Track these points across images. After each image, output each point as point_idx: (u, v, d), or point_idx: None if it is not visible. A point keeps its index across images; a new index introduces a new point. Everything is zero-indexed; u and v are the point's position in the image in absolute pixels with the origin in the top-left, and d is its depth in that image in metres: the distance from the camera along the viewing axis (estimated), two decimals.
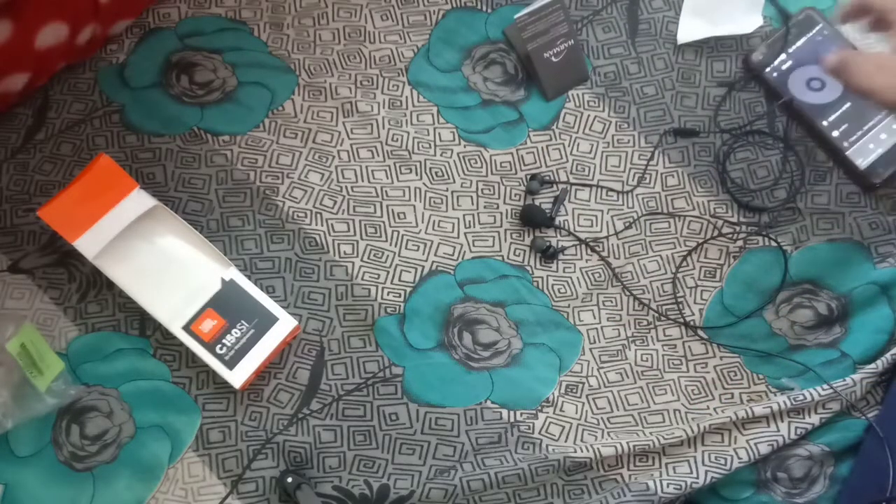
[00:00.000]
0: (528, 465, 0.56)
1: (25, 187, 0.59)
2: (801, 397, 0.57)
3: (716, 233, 0.62)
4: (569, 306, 0.60)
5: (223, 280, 0.54)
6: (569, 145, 0.63)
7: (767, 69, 0.65)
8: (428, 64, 0.64)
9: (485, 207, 0.62)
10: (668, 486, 0.54)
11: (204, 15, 0.63)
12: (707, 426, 0.56)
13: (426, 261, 0.60)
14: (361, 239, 0.60)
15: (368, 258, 0.60)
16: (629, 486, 0.55)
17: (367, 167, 0.62)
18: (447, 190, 0.62)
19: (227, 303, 0.54)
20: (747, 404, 0.58)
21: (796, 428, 0.56)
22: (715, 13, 0.65)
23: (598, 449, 0.56)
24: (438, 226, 0.61)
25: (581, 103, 0.64)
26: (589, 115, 0.64)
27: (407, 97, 0.63)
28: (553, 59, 0.63)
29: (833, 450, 0.58)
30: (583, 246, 0.62)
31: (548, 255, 0.61)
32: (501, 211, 0.62)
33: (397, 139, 0.62)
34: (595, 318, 0.60)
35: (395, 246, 0.60)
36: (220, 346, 0.53)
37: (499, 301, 0.60)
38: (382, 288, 0.59)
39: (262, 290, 0.55)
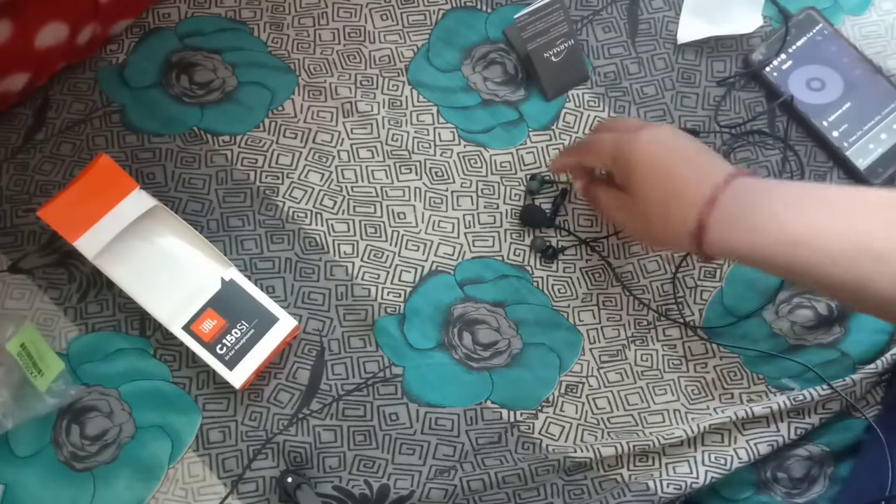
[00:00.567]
0: (528, 465, 0.56)
1: (25, 187, 0.59)
2: (801, 397, 0.57)
3: None
4: (569, 306, 0.60)
5: (223, 280, 0.54)
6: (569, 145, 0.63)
7: (767, 69, 0.65)
8: (428, 64, 0.64)
9: (485, 207, 0.62)
10: (668, 486, 0.54)
11: (204, 15, 0.63)
12: (707, 426, 0.56)
13: (426, 261, 0.60)
14: (361, 239, 0.60)
15: (368, 258, 0.60)
16: (629, 486, 0.55)
17: (367, 167, 0.62)
18: (447, 190, 0.62)
19: (227, 303, 0.54)
20: (747, 404, 0.58)
21: (796, 428, 0.56)
22: (715, 13, 0.65)
23: (598, 449, 0.56)
24: (438, 226, 0.61)
25: (581, 103, 0.64)
26: (589, 115, 0.64)
27: (407, 97, 0.63)
28: (553, 59, 0.63)
29: (833, 450, 0.58)
30: (583, 246, 0.62)
31: (548, 255, 0.61)
32: (501, 211, 0.62)
33: (397, 139, 0.62)
34: (595, 318, 0.60)
35: (395, 246, 0.60)
36: (220, 346, 0.53)
37: (499, 301, 0.60)
38: (382, 288, 0.59)
39: (262, 290, 0.55)
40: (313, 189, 0.61)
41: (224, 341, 0.53)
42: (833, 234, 0.43)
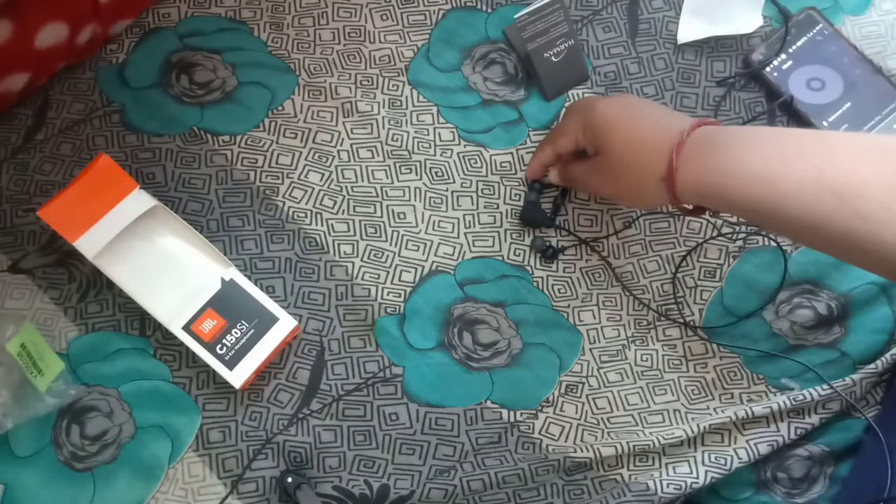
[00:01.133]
0: (528, 465, 0.56)
1: (25, 187, 0.59)
2: (801, 397, 0.57)
3: (715, 233, 0.62)
4: (569, 306, 0.60)
5: (223, 280, 0.54)
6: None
7: (767, 69, 0.65)
8: (428, 64, 0.64)
9: (485, 207, 0.62)
10: (668, 486, 0.54)
11: (204, 15, 0.63)
12: (707, 426, 0.56)
13: (426, 261, 0.60)
14: (361, 239, 0.60)
15: (368, 258, 0.60)
16: (629, 486, 0.55)
17: (367, 167, 0.62)
18: (447, 190, 0.62)
19: (227, 303, 0.54)
20: (747, 404, 0.58)
21: (796, 428, 0.56)
22: (715, 13, 0.65)
23: (598, 449, 0.56)
24: (438, 226, 0.61)
25: None
26: None
27: (407, 97, 0.63)
28: (553, 59, 0.63)
29: (833, 450, 0.58)
30: (583, 246, 0.62)
31: (548, 255, 0.61)
32: (501, 211, 0.62)
33: (397, 139, 0.62)
34: (595, 318, 0.60)
35: (395, 246, 0.60)
36: (220, 346, 0.53)
37: (499, 301, 0.60)
38: (382, 288, 0.59)
39: (262, 290, 0.55)
40: (313, 189, 0.61)
41: (224, 341, 0.53)
42: (795, 171, 0.44)
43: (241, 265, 0.59)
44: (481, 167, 0.62)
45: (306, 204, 0.60)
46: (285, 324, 0.54)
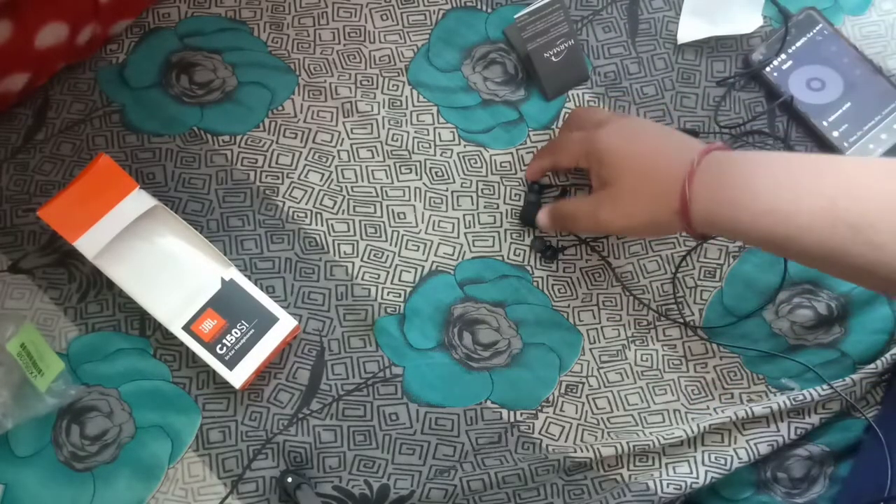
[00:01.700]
0: (528, 465, 0.56)
1: (25, 187, 0.59)
2: (801, 397, 0.57)
3: None
4: (569, 306, 0.60)
5: (223, 280, 0.54)
6: None
7: (767, 69, 0.65)
8: (428, 64, 0.64)
9: (485, 207, 0.62)
10: (668, 486, 0.54)
11: (204, 15, 0.63)
12: (707, 426, 0.56)
13: (426, 261, 0.60)
14: (361, 239, 0.60)
15: (368, 258, 0.60)
16: (629, 486, 0.55)
17: (367, 167, 0.62)
18: (447, 190, 0.62)
19: (227, 303, 0.54)
20: (747, 404, 0.58)
21: (796, 428, 0.56)
22: (715, 13, 0.65)
23: (598, 449, 0.56)
24: (438, 226, 0.61)
25: (581, 103, 0.64)
26: None
27: (407, 97, 0.63)
28: (553, 59, 0.63)
29: (833, 450, 0.58)
30: (583, 246, 0.62)
31: (548, 255, 0.61)
32: (501, 211, 0.62)
33: (397, 139, 0.62)
34: (595, 318, 0.60)
35: (395, 246, 0.60)
36: (220, 346, 0.53)
37: (499, 301, 0.60)
38: (382, 288, 0.59)
39: (262, 290, 0.55)
40: (313, 189, 0.61)
41: (224, 341, 0.53)
42: (806, 203, 0.44)
43: (241, 265, 0.59)
44: (481, 167, 0.62)
45: (306, 204, 0.61)
46: (285, 324, 0.54)
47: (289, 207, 0.60)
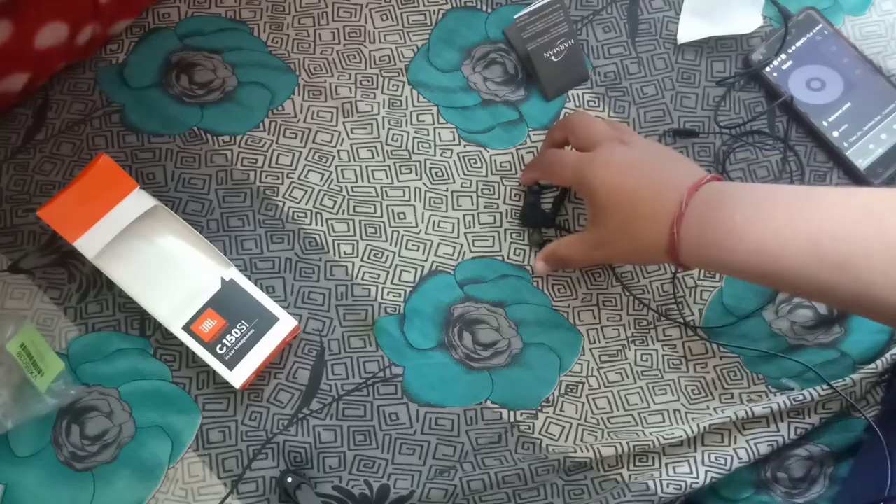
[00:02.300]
0: (528, 465, 0.56)
1: (25, 187, 0.59)
2: (801, 397, 0.57)
3: None
4: (569, 306, 0.60)
5: (223, 280, 0.54)
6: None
7: (767, 69, 0.65)
8: (428, 64, 0.64)
9: (485, 207, 0.62)
10: (668, 486, 0.54)
11: (204, 15, 0.63)
12: (707, 426, 0.56)
13: (426, 261, 0.60)
14: (361, 239, 0.60)
15: (368, 258, 0.60)
16: (629, 486, 0.55)
17: (367, 167, 0.62)
18: (447, 190, 0.62)
19: (227, 303, 0.54)
20: (747, 404, 0.58)
21: (796, 428, 0.56)
22: (715, 13, 0.65)
23: (598, 449, 0.56)
24: (438, 226, 0.61)
25: (581, 103, 0.64)
26: None
27: (407, 97, 0.63)
28: (553, 59, 0.63)
29: (833, 450, 0.58)
30: None
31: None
32: (501, 211, 0.62)
33: (397, 139, 0.62)
34: (595, 318, 0.60)
35: (395, 246, 0.60)
36: (220, 346, 0.53)
37: (499, 301, 0.60)
38: (382, 288, 0.59)
39: (262, 290, 0.55)
40: (313, 189, 0.61)
41: (224, 341, 0.53)
42: (792, 244, 0.45)
43: (241, 265, 0.59)
44: (481, 167, 0.62)
45: (306, 204, 0.60)
46: (285, 324, 0.54)
47: (289, 207, 0.60)
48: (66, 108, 0.61)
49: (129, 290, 0.53)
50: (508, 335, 0.59)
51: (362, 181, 0.61)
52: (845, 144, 0.63)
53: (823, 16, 0.66)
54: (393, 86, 0.64)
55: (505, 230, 0.61)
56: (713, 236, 0.47)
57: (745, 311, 0.61)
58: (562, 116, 0.64)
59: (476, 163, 0.63)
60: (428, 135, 0.63)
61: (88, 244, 0.53)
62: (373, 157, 0.62)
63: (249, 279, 0.55)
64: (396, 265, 0.60)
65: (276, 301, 0.54)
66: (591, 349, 0.60)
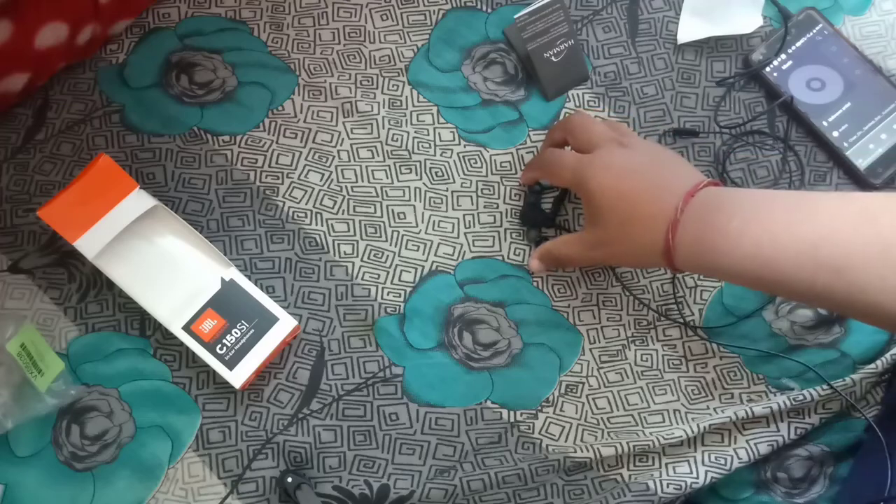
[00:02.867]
0: (528, 465, 0.56)
1: (25, 187, 0.59)
2: (801, 397, 0.57)
3: None
4: (569, 306, 0.60)
5: (223, 280, 0.54)
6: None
7: (767, 69, 0.65)
8: (428, 64, 0.64)
9: (485, 207, 0.62)
10: (668, 486, 0.54)
11: (204, 15, 0.63)
12: (707, 426, 0.56)
13: (426, 261, 0.60)
14: (361, 239, 0.60)
15: (368, 258, 0.60)
16: (629, 486, 0.55)
17: (367, 167, 0.62)
18: (447, 190, 0.62)
19: (227, 303, 0.54)
20: (747, 404, 0.58)
21: (796, 428, 0.56)
22: (715, 13, 0.65)
23: (598, 449, 0.56)
24: (438, 226, 0.61)
25: (581, 103, 0.64)
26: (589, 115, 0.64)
27: (407, 97, 0.63)
28: (553, 59, 0.63)
29: (833, 450, 0.58)
30: None
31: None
32: (501, 211, 0.62)
33: (397, 139, 0.62)
34: (595, 318, 0.60)
35: (395, 246, 0.60)
36: (220, 346, 0.53)
37: (499, 301, 0.60)
38: (382, 288, 0.59)
39: (262, 290, 0.55)
40: (313, 189, 0.61)
41: (224, 341, 0.53)
42: (789, 250, 0.45)
43: (241, 265, 0.59)
44: (481, 167, 0.62)
45: (306, 204, 0.61)
46: (285, 324, 0.54)
47: (289, 207, 0.60)
48: (66, 108, 0.61)
49: (129, 290, 0.53)
50: (508, 335, 0.59)
51: (362, 181, 0.61)
52: (845, 144, 0.63)
53: (823, 16, 0.66)
54: (393, 86, 0.64)
55: (505, 230, 0.61)
56: (709, 241, 0.47)
57: (745, 311, 0.61)
58: (562, 116, 0.64)
59: (476, 163, 0.63)
60: (428, 135, 0.63)
61: (88, 244, 0.53)
62: (373, 157, 0.62)
63: (249, 279, 0.55)
64: (396, 265, 0.60)
65: (276, 301, 0.54)
66: (591, 349, 0.60)
